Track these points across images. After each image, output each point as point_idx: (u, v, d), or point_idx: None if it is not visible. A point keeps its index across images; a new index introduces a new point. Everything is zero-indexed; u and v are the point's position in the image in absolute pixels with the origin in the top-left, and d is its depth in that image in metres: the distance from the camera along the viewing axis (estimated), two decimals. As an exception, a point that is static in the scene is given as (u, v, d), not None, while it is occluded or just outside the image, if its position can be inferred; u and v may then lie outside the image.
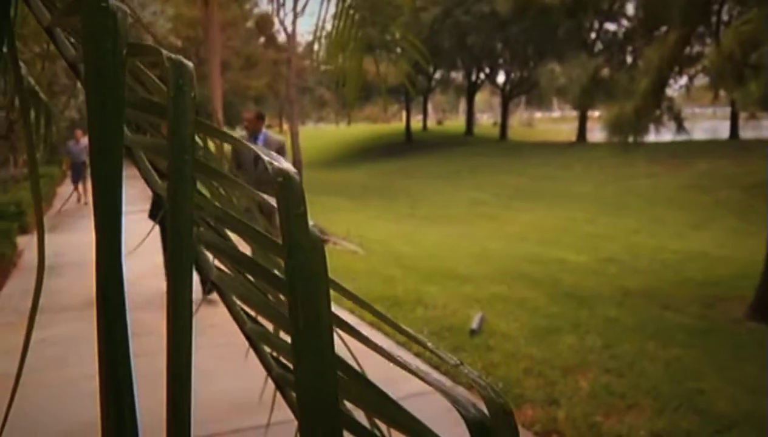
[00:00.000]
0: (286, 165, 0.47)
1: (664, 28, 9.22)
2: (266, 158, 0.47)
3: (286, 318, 0.51)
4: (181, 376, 0.45)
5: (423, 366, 5.36)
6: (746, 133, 30.41)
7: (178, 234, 0.44)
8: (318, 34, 3.12)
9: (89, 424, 4.57)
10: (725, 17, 8.83)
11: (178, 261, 0.44)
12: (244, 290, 0.60)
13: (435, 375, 0.51)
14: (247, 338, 0.62)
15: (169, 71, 0.48)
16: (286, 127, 43.87)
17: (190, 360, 0.46)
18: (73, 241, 10.24)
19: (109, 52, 0.43)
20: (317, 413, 0.42)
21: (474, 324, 6.29)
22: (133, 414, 0.45)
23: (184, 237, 0.44)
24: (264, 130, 8.10)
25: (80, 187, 17.83)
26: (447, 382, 0.49)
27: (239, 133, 7.70)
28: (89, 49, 0.44)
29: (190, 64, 0.49)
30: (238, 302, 0.62)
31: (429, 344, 0.52)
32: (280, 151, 7.75)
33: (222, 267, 0.64)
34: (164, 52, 0.50)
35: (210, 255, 0.61)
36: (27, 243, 11.36)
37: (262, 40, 35.16)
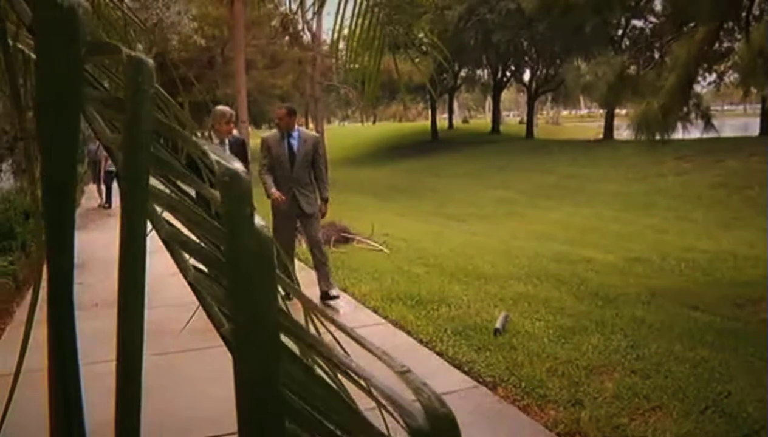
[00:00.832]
0: (236, 164, 0.44)
1: (692, 24, 9.08)
2: (214, 157, 0.44)
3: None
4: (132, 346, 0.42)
5: (446, 366, 5.32)
6: (777, 130, 29.98)
7: (132, 235, 0.41)
8: (337, 33, 3.10)
9: (104, 424, 4.58)
10: (756, 12, 8.68)
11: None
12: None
13: (389, 379, 0.47)
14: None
15: (127, 68, 0.45)
16: (311, 125, 43.98)
17: (141, 341, 0.42)
18: (102, 240, 10.31)
19: (62, 49, 0.40)
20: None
21: (498, 324, 6.24)
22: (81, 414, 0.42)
23: (137, 238, 0.40)
24: (297, 126, 7.64)
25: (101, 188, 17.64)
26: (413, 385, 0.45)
27: (271, 131, 7.54)
28: (41, 46, 0.41)
29: (150, 61, 0.45)
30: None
31: (378, 350, 0.48)
32: (317, 146, 7.55)
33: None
34: (124, 49, 0.47)
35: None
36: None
37: (287, 38, 35.22)
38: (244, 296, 0.39)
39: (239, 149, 7.53)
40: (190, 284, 0.58)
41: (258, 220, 0.42)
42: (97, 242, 9.57)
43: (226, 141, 7.25)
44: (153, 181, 0.60)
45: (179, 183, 0.74)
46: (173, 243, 0.56)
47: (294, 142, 7.45)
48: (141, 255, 0.42)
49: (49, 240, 0.41)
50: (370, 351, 0.49)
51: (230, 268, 0.40)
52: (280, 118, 7.59)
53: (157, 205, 0.57)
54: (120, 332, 0.42)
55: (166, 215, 0.60)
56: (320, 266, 7.50)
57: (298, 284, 0.56)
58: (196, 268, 0.58)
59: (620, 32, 36.52)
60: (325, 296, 7.41)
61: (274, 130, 7.74)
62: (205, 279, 0.57)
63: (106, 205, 16.76)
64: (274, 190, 7.34)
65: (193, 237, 0.58)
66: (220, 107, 7.54)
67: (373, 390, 0.45)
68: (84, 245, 11.07)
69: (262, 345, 0.39)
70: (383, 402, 0.44)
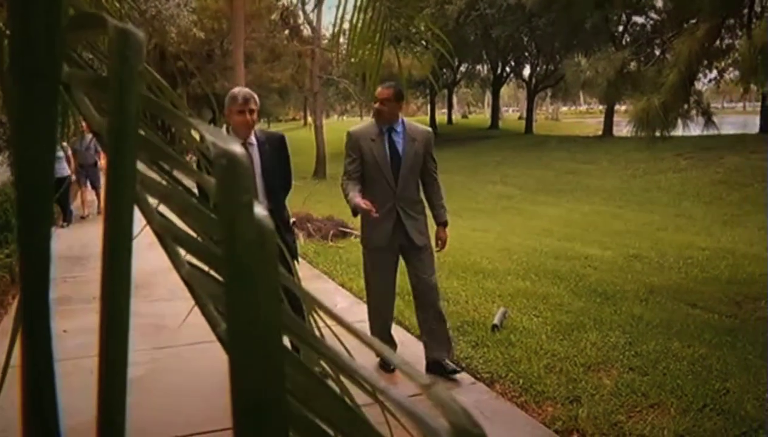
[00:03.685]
0: (234, 146, 0.39)
1: (693, 21, 9.05)
2: (209, 138, 0.40)
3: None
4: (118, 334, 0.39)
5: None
6: (777, 127, 29.93)
7: (118, 225, 0.38)
8: (338, 26, 3.07)
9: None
10: (758, 9, 8.64)
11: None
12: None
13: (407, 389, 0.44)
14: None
15: (112, 41, 0.41)
16: (310, 119, 43.87)
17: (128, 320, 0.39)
18: (99, 233, 10.30)
19: (40, 20, 0.37)
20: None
21: (496, 320, 6.23)
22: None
23: (123, 228, 0.38)
24: (402, 117, 5.33)
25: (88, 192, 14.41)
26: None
27: (369, 120, 5.24)
28: (14, 17, 0.37)
29: (139, 33, 0.41)
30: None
31: (399, 360, 0.45)
32: (429, 145, 5.34)
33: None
34: (109, 19, 0.43)
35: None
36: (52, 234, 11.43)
37: (286, 32, 35.12)
38: (243, 295, 0.36)
39: (274, 152, 5.09)
40: (183, 280, 0.55)
41: (259, 210, 0.38)
42: (97, 236, 9.54)
43: (253, 140, 4.93)
44: (146, 170, 0.57)
45: (175, 173, 0.71)
46: (166, 237, 0.53)
47: (398, 140, 5.20)
48: (127, 248, 0.39)
49: (22, 228, 0.38)
50: (392, 362, 0.46)
51: (226, 263, 0.36)
52: (383, 102, 5.13)
53: (148, 194, 0.54)
54: (102, 330, 0.39)
55: (165, 208, 0.57)
56: (435, 326, 5.26)
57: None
58: (190, 263, 0.55)
59: (621, 28, 36.44)
60: (438, 367, 5.14)
61: (368, 121, 5.42)
62: (200, 275, 0.54)
63: (64, 224, 13.19)
64: (358, 197, 4.96)
65: (188, 230, 0.55)
66: (236, 89, 4.89)
67: (389, 403, 0.42)
68: (82, 240, 11.05)
69: (262, 351, 0.35)
70: (404, 417, 0.41)
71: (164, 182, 0.60)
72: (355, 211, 5.08)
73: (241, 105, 4.65)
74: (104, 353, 0.38)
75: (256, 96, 4.74)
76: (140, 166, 0.56)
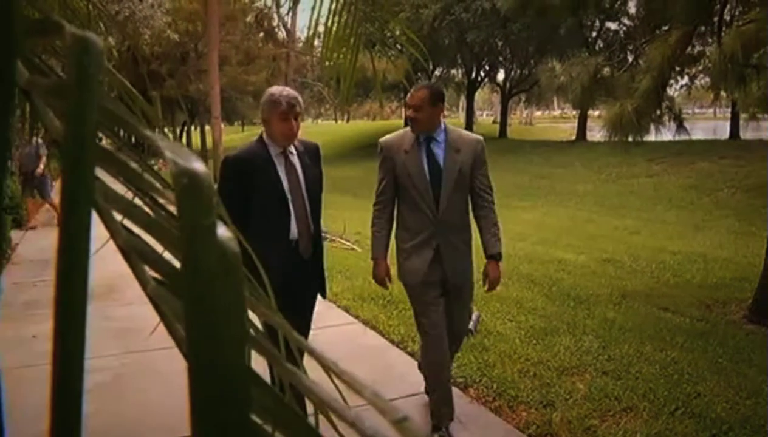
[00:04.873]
0: (196, 164, 0.36)
1: (665, 28, 9.14)
2: (169, 155, 0.37)
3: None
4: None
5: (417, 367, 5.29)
6: (747, 133, 30.32)
7: (72, 240, 0.36)
8: (313, 30, 3.06)
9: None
10: (727, 17, 8.75)
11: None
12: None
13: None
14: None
15: (70, 48, 0.39)
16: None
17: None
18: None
19: None
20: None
21: (470, 324, 6.22)
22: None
23: (79, 243, 0.36)
24: (444, 122, 4.29)
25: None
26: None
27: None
28: None
29: (99, 41, 0.39)
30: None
31: (369, 392, 0.43)
32: (479, 158, 4.26)
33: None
34: (67, 26, 0.41)
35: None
36: (21, 238, 11.30)
37: (261, 35, 35.01)
38: (203, 328, 0.32)
39: (313, 164, 4.18)
40: (149, 297, 0.52)
41: (223, 232, 0.35)
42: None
43: (294, 149, 4.04)
44: (110, 182, 0.56)
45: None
46: (131, 252, 0.51)
47: (438, 152, 4.19)
48: (83, 263, 0.37)
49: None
50: (363, 395, 0.43)
51: (186, 293, 0.33)
52: (414, 110, 4.13)
53: (112, 208, 0.51)
54: (56, 339, 0.37)
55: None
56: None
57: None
58: (156, 280, 0.53)
59: (594, 34, 36.75)
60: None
61: (404, 130, 4.38)
62: (166, 293, 0.52)
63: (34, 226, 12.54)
64: (382, 255, 4.30)
65: (154, 245, 0.53)
66: (273, 89, 3.98)
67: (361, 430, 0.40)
68: (53, 243, 10.89)
69: (224, 387, 0.32)
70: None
71: (132, 195, 0.58)
72: (375, 268, 4.37)
73: (286, 111, 3.83)
74: (58, 367, 0.37)
75: (300, 98, 3.96)
76: (107, 179, 0.54)
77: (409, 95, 4.22)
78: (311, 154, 4.18)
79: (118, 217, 0.53)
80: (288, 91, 3.90)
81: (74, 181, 0.36)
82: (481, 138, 4.41)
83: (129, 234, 0.53)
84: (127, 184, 0.58)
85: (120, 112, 0.49)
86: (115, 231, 0.51)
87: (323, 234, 4.33)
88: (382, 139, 4.41)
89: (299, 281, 4.00)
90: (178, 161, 0.35)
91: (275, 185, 3.92)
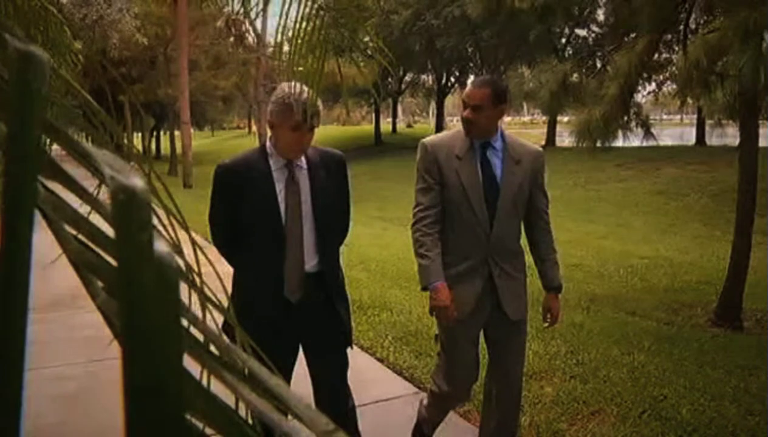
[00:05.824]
0: (134, 180, 0.35)
1: (632, 35, 9.25)
2: (107, 172, 0.36)
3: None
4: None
5: (386, 372, 5.28)
6: (712, 139, 30.77)
7: (15, 262, 0.35)
8: (280, 35, 3.04)
9: (42, 428, 4.48)
10: (693, 25, 8.88)
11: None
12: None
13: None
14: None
15: (13, 64, 0.37)
16: (254, 128, 43.55)
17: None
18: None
19: None
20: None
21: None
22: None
23: (18, 257, 0.35)
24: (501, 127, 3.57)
25: None
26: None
27: (454, 126, 3.23)
28: None
29: (44, 55, 0.38)
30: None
31: (301, 406, 0.42)
32: (538, 169, 3.60)
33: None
34: (8, 38, 0.40)
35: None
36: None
37: (231, 39, 34.87)
38: (137, 344, 0.31)
39: (330, 179, 3.37)
40: (99, 309, 0.52)
41: (161, 248, 0.33)
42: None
43: (303, 162, 3.29)
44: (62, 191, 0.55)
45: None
46: (81, 263, 0.50)
47: (496, 162, 3.52)
48: (23, 279, 0.36)
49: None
50: (293, 406, 0.42)
51: (120, 309, 0.32)
52: (473, 110, 3.40)
53: (61, 219, 0.50)
54: None
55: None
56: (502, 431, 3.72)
57: None
58: (107, 291, 0.52)
59: (564, 41, 37.09)
60: None
61: (452, 131, 3.70)
62: (116, 305, 0.51)
63: None
64: (441, 283, 3.41)
65: (105, 257, 0.52)
66: (287, 89, 3.14)
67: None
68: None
69: (161, 416, 0.31)
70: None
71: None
72: (432, 299, 3.47)
73: (299, 121, 3.10)
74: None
75: (320, 105, 3.20)
76: (58, 189, 0.54)
77: (467, 91, 3.48)
78: (331, 168, 3.37)
79: (70, 228, 0.52)
80: (306, 93, 3.06)
81: (15, 196, 0.35)
82: (542, 149, 3.76)
83: (79, 245, 0.52)
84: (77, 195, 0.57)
85: (61, 127, 0.48)
86: (65, 242, 0.51)
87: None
88: (427, 140, 3.65)
89: (298, 331, 3.34)
90: (116, 177, 0.35)
91: (268, 206, 3.16)
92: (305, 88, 3.05)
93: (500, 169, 3.48)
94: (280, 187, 3.19)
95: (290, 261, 3.21)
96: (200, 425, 0.42)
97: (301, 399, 0.42)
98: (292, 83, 3.08)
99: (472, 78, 42.64)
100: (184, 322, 0.46)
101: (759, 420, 4.51)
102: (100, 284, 0.52)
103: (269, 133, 3.29)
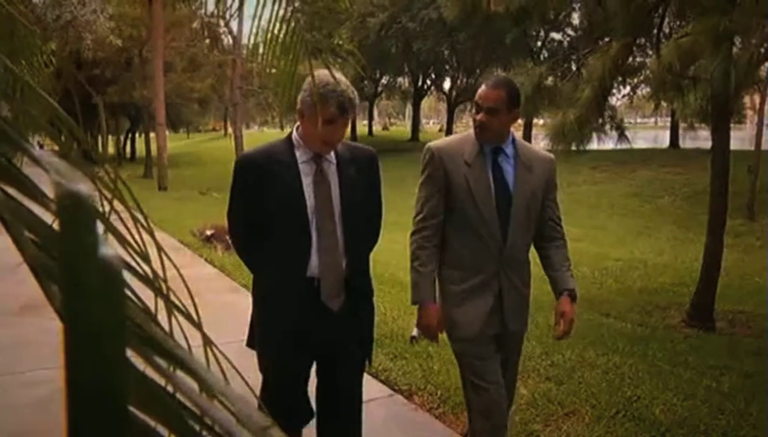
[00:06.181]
0: (80, 186, 0.34)
1: (607, 39, 9.33)
2: (54, 177, 0.35)
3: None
4: None
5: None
6: (686, 142, 31.10)
7: None
8: (255, 38, 3.02)
9: (17, 434, 4.41)
10: (666, 29, 8.98)
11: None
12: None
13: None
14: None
15: None
16: (230, 130, 43.37)
17: None
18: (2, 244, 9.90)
19: None
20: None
21: (414, 332, 6.22)
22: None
23: None
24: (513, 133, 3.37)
25: None
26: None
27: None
28: None
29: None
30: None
31: (240, 403, 0.42)
32: (550, 177, 3.38)
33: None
34: None
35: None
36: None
37: (207, 41, 34.69)
38: (79, 347, 0.30)
39: (362, 177, 3.12)
40: (57, 313, 0.51)
41: (105, 250, 0.32)
42: (10, 246, 9.19)
43: (332, 157, 3.03)
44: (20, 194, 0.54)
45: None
46: (38, 268, 0.50)
47: (507, 168, 3.30)
48: None
49: None
50: (230, 400, 0.42)
51: (64, 311, 0.31)
52: (487, 112, 3.16)
53: (19, 222, 0.50)
54: None
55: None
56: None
57: None
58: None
59: (539, 44, 37.32)
60: None
61: (461, 134, 3.46)
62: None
63: None
64: (429, 294, 3.31)
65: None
66: (323, 77, 2.77)
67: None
68: (-11, 250, 10.61)
69: (100, 417, 0.31)
70: None
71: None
72: (420, 315, 3.38)
73: (335, 113, 2.82)
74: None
75: (356, 97, 2.92)
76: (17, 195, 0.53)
77: (480, 92, 3.22)
78: (361, 164, 3.12)
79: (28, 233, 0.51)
80: (344, 84, 2.81)
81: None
82: (553, 157, 3.49)
83: (37, 249, 0.52)
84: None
85: (12, 133, 0.48)
86: (23, 246, 0.50)
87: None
88: (432, 144, 3.44)
89: (325, 339, 3.05)
90: (62, 183, 0.34)
91: (295, 201, 2.90)
92: (343, 79, 2.85)
93: (512, 176, 3.26)
94: (306, 180, 2.93)
95: (325, 259, 2.95)
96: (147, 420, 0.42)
97: (236, 392, 0.42)
98: (328, 72, 2.74)
99: (447, 81, 42.47)
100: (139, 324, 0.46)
101: (730, 420, 4.56)
102: (57, 288, 0.51)
103: (297, 123, 3.03)
